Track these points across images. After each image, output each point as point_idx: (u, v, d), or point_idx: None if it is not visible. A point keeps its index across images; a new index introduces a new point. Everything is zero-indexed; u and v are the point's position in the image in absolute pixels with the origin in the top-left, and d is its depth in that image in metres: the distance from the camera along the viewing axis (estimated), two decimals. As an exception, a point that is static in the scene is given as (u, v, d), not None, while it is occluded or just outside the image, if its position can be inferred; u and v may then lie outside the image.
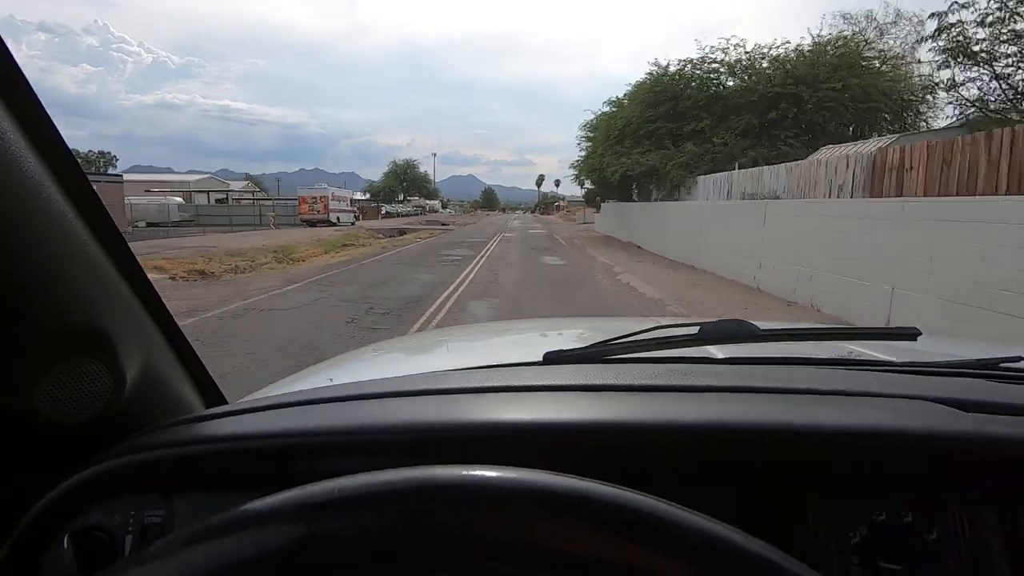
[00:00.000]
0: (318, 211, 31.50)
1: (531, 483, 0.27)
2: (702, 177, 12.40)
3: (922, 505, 0.47)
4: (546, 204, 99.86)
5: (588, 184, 24.73)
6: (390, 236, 22.73)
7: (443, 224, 40.66)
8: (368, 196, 77.46)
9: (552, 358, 0.72)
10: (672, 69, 15.11)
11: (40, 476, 0.46)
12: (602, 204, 26.78)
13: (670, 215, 13.22)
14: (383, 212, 52.25)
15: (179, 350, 0.57)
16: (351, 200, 35.70)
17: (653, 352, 0.75)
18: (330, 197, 31.99)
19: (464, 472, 0.27)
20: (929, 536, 0.46)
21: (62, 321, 0.42)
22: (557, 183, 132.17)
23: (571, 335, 1.23)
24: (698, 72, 14.86)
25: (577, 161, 24.14)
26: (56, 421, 0.43)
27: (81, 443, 0.47)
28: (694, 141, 13.54)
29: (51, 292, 0.41)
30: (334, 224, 30.94)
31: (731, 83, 14.47)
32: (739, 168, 10.52)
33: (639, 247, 16.06)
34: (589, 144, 22.77)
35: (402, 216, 52.22)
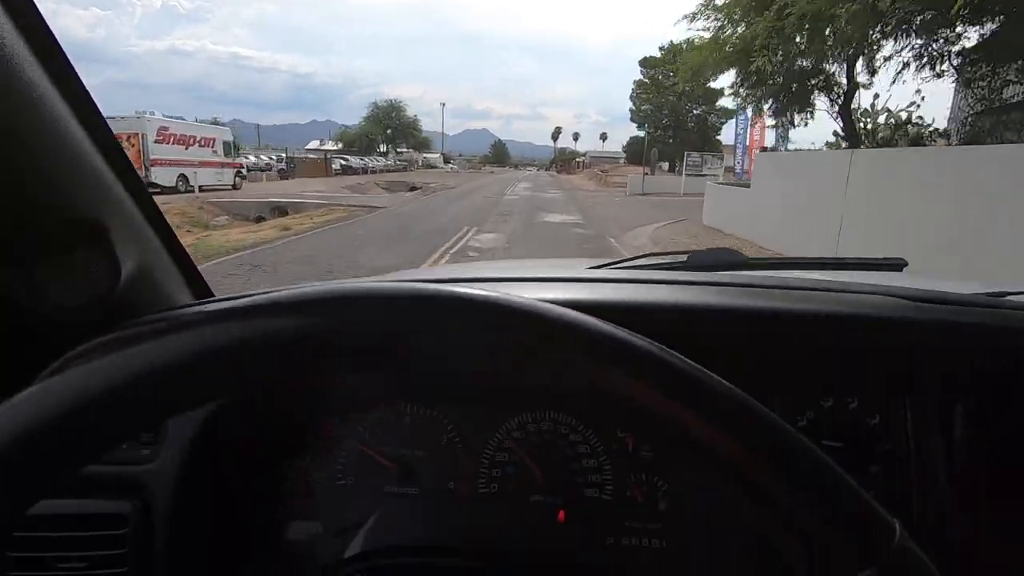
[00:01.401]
0: (130, 163, 15.91)
1: (496, 299, 0.28)
2: None
3: (868, 392, 0.53)
4: (564, 160, 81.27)
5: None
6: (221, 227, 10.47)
7: (412, 187, 25.32)
8: (340, 146, 61.68)
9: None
10: None
11: (38, 356, 0.46)
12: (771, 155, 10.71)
13: None
14: (337, 167, 36.12)
15: (171, 248, 0.60)
16: (223, 143, 19.30)
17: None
18: (150, 137, 15.89)
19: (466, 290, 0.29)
20: (871, 420, 0.53)
21: (64, 211, 0.46)
22: (575, 136, 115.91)
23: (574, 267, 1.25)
24: None
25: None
26: (56, 303, 0.47)
27: (78, 328, 0.48)
28: None
29: (54, 184, 0.45)
30: (165, 190, 15.55)
31: None
32: None
33: None
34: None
35: (369, 173, 36.49)
